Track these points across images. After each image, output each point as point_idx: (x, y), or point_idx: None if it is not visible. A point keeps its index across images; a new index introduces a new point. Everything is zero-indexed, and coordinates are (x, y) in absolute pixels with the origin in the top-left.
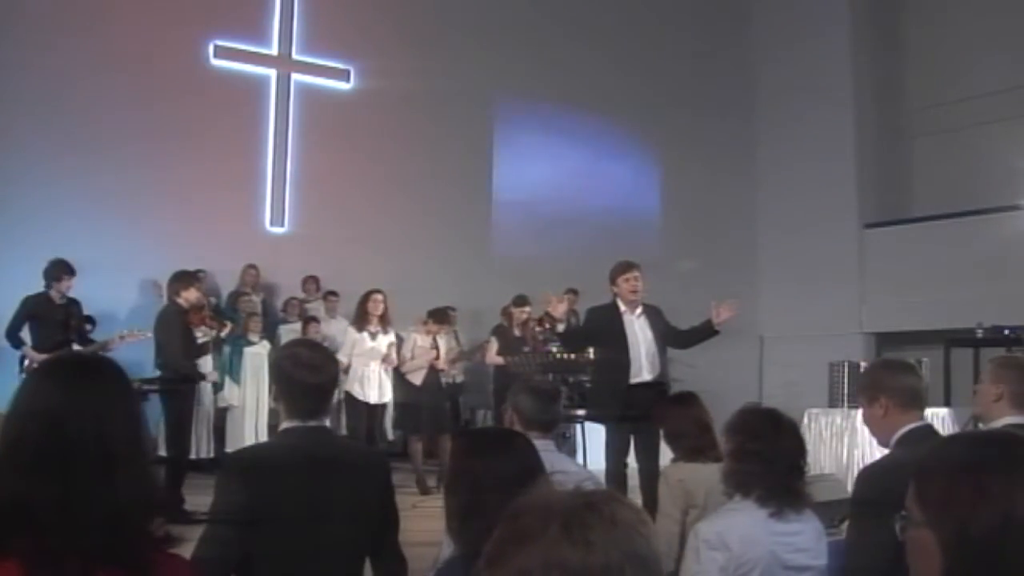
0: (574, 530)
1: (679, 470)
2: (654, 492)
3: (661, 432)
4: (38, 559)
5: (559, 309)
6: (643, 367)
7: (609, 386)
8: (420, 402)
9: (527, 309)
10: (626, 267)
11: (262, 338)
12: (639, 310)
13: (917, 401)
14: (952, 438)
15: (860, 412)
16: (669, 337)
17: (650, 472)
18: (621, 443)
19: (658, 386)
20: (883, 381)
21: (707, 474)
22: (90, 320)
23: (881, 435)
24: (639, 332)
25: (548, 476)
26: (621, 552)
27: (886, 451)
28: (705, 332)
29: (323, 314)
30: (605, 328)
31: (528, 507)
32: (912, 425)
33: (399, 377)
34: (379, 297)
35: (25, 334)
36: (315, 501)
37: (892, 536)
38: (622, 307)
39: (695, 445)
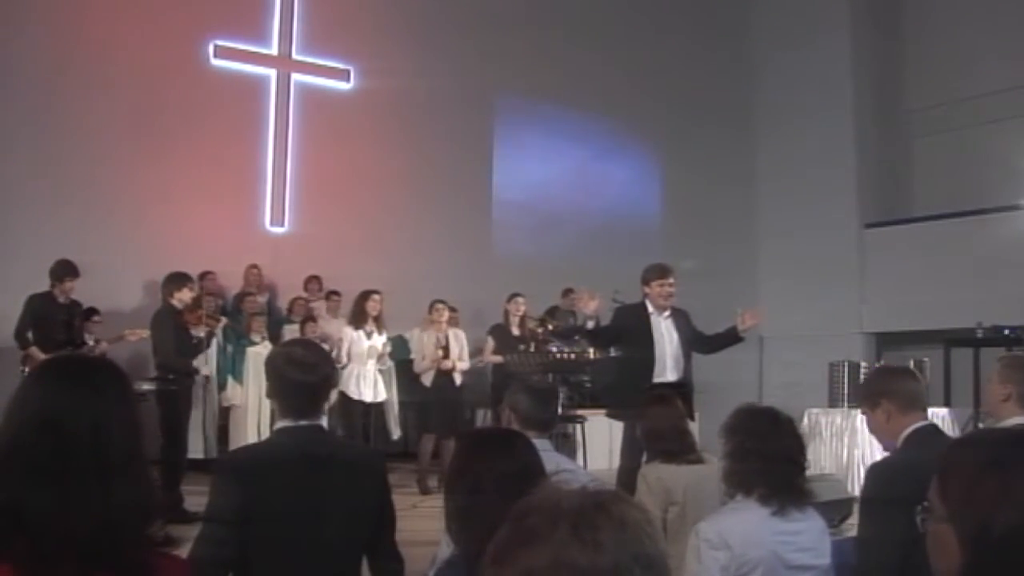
0: (584, 531)
1: (656, 469)
2: None
3: (639, 430)
4: (33, 562)
5: (591, 306)
6: (667, 367)
7: (631, 385)
8: (429, 402)
9: (519, 300)
10: (662, 271)
11: (265, 338)
12: (667, 312)
13: (918, 403)
14: (977, 435)
15: (860, 414)
16: (694, 341)
17: None
18: (637, 441)
19: (681, 387)
20: (884, 386)
21: (684, 473)
22: (94, 312)
23: (886, 439)
24: (665, 333)
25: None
26: (630, 554)
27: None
28: (730, 338)
29: (324, 314)
30: (632, 327)
31: (536, 506)
32: (917, 424)
33: (412, 377)
34: (378, 297)
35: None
36: (311, 500)
37: (903, 532)
38: (650, 308)
39: (670, 448)
